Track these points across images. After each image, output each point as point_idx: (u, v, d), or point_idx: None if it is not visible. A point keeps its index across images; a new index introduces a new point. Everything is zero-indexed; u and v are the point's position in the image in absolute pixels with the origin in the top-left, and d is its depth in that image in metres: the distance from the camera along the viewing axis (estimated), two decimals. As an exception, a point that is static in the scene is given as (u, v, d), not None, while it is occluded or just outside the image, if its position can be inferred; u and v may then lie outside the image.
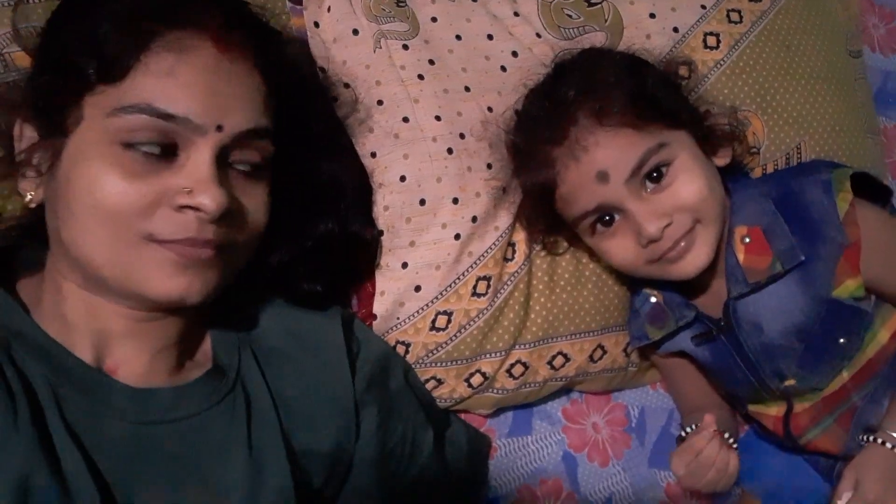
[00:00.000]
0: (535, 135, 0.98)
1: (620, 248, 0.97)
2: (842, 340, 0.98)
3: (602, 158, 0.92)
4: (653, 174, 0.93)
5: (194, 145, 0.73)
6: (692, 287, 1.03)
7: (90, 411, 0.73)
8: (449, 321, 1.03)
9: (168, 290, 0.73)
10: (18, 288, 0.79)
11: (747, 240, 0.98)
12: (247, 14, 0.81)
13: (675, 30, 1.16)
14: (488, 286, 1.04)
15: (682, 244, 0.94)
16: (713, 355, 1.05)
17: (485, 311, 1.04)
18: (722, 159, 1.01)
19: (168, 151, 0.72)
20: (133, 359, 0.78)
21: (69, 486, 0.67)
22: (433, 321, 1.03)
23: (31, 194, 0.77)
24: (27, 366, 0.72)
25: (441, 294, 1.03)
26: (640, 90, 0.95)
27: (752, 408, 1.08)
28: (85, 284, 0.76)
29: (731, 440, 1.01)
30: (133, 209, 0.71)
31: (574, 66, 1.02)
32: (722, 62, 1.16)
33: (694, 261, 0.95)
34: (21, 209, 0.84)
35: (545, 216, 1.03)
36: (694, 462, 0.94)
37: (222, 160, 0.75)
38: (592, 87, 0.95)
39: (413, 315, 1.02)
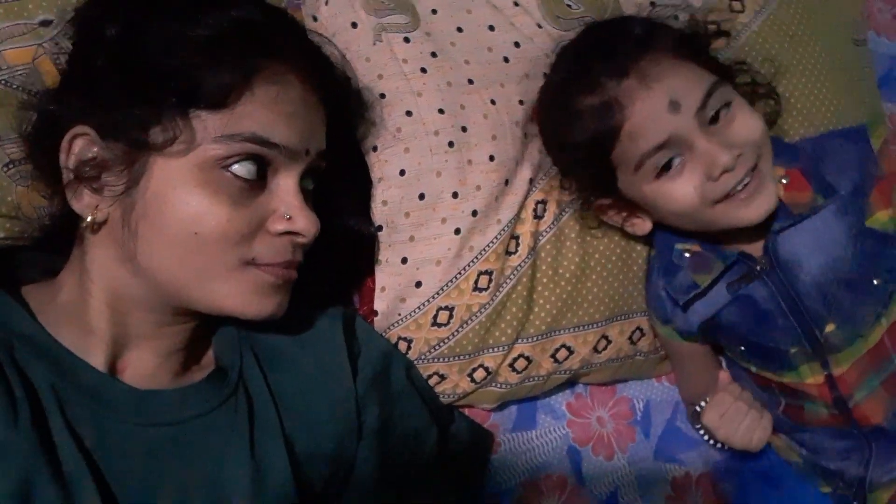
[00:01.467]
0: (599, 69, 0.96)
1: (688, 186, 0.95)
2: (876, 282, 0.99)
3: (673, 87, 0.93)
4: (715, 117, 0.94)
5: (284, 170, 0.77)
6: (728, 233, 1.02)
7: (93, 413, 0.73)
8: (451, 316, 1.02)
9: (264, 309, 0.77)
10: (24, 292, 0.79)
11: (785, 180, 1.00)
12: (321, 52, 0.87)
13: (676, 18, 1.14)
14: (490, 280, 1.03)
15: (750, 183, 0.94)
16: (753, 301, 1.03)
17: (487, 306, 1.03)
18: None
19: (261, 177, 0.75)
20: (142, 362, 0.78)
21: (71, 489, 0.67)
22: (435, 317, 1.02)
23: (94, 215, 0.74)
24: (30, 368, 0.72)
25: (442, 289, 1.02)
26: (691, 35, 1.00)
27: (788, 380, 1.06)
28: (131, 297, 0.76)
29: None
30: (238, 236, 0.74)
31: (625, 19, 1.06)
32: (721, 52, 1.14)
33: (766, 200, 0.95)
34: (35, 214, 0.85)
35: (599, 170, 1.00)
36: (730, 409, 1.00)
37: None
38: (653, 26, 0.99)
39: (414, 311, 1.02)
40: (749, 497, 1.16)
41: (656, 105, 0.93)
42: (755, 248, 1.03)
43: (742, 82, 1.04)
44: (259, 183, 0.75)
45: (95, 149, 0.73)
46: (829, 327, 1.00)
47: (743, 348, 1.07)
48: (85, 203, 0.75)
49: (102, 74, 0.73)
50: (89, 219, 0.74)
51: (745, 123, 0.95)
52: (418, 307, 1.02)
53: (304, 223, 0.77)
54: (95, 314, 0.76)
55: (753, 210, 0.95)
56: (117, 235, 0.75)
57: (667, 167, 0.95)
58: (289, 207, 0.77)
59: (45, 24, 0.89)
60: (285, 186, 0.77)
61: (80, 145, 0.74)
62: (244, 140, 0.73)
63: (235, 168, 0.73)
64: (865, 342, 1.01)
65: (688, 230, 1.04)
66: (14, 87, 0.86)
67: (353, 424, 0.90)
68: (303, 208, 0.77)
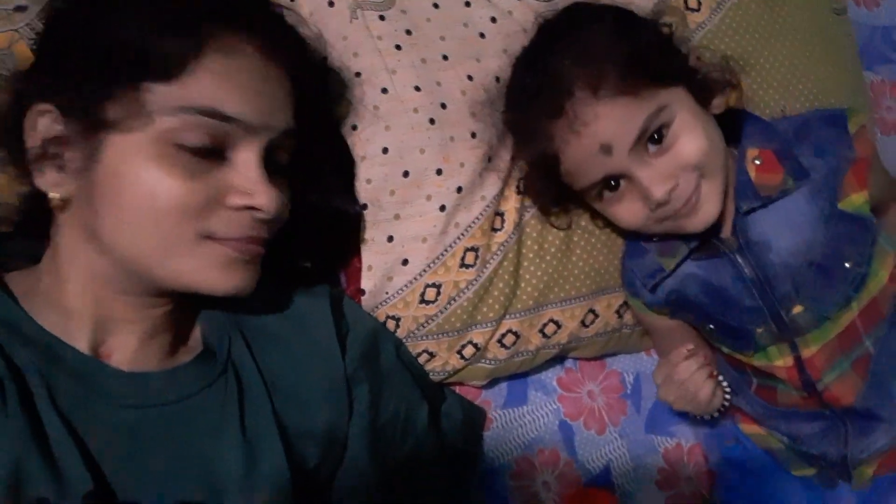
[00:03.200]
0: (531, 109, 0.96)
1: (630, 211, 0.98)
2: (847, 265, 0.98)
3: (603, 131, 0.91)
4: (654, 136, 0.93)
5: (243, 145, 0.75)
6: None
7: (82, 397, 0.72)
8: (438, 293, 1.02)
9: (228, 284, 0.76)
10: (8, 279, 0.79)
11: (758, 161, 0.99)
12: (285, 22, 0.84)
13: (655, -7, 1.14)
14: (476, 257, 1.03)
15: (692, 200, 0.94)
16: (721, 279, 1.04)
17: (474, 283, 1.03)
18: (718, 108, 1.00)
19: (217, 150, 0.74)
20: (126, 344, 0.78)
21: (61, 472, 0.67)
22: (422, 294, 1.02)
23: (56, 192, 0.74)
24: (17, 355, 0.71)
25: (429, 266, 1.02)
26: (633, 54, 0.92)
27: (757, 362, 1.06)
28: (98, 276, 0.76)
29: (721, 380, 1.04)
30: (193, 209, 0.72)
31: (561, 29, 1.00)
32: (703, 24, 1.15)
33: (705, 215, 0.95)
34: (17, 201, 0.83)
35: (552, 187, 1.02)
36: (673, 373, 0.99)
37: (265, 160, 0.77)
38: (584, 55, 0.92)
39: (402, 289, 1.02)
40: (727, 485, 1.18)
41: (586, 150, 0.93)
42: (724, 229, 1.03)
43: (697, 80, 1.00)
44: (217, 157, 0.74)
45: (58, 126, 0.73)
46: (797, 309, 1.00)
47: (711, 326, 1.07)
48: (48, 181, 0.74)
49: (62, 51, 0.74)
50: (53, 195, 0.74)
51: (686, 146, 0.93)
52: (405, 285, 1.02)
53: (263, 199, 0.75)
54: (74, 297, 0.76)
55: (694, 223, 0.96)
56: (82, 214, 0.74)
57: (611, 188, 0.97)
58: (247, 182, 0.75)
59: (20, 9, 0.88)
60: (245, 161, 0.75)
61: (43, 123, 0.74)
62: (196, 112, 0.71)
63: (189, 142, 0.72)
64: (835, 325, 1.00)
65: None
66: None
67: (344, 403, 0.90)
68: (262, 183, 0.75)
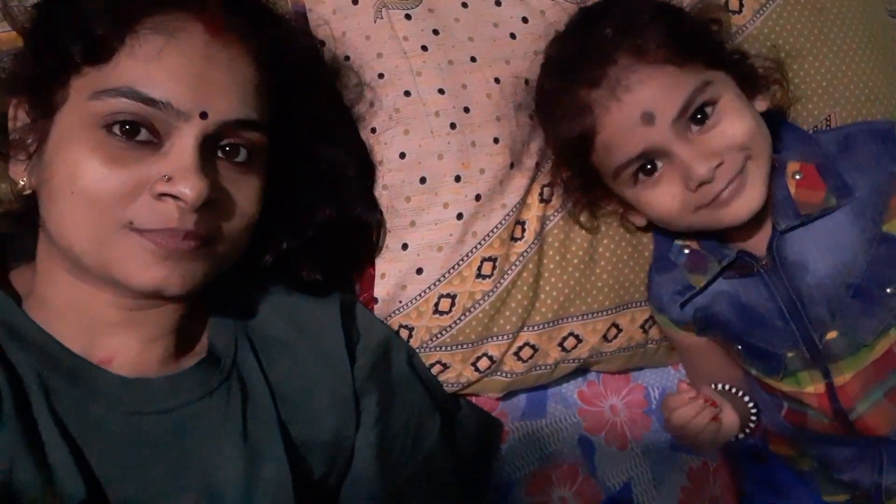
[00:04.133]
0: (570, 78, 0.93)
1: (666, 196, 0.92)
2: (889, 290, 0.93)
3: (647, 98, 0.87)
4: (697, 116, 0.89)
5: (177, 132, 0.71)
6: (732, 228, 0.97)
7: (80, 402, 0.72)
8: (452, 304, 1.00)
9: (145, 280, 0.71)
10: (11, 278, 0.79)
11: (798, 176, 0.94)
12: (252, 7, 0.79)
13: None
14: (494, 267, 1.01)
15: (735, 184, 0.89)
16: (752, 299, 0.99)
17: (490, 294, 1.01)
18: (762, 104, 0.96)
19: (152, 138, 0.71)
20: (126, 349, 0.76)
21: (55, 479, 0.67)
22: (436, 304, 1.00)
23: (22, 180, 0.75)
24: (15, 357, 0.71)
25: (444, 276, 1.00)
26: (678, 28, 0.91)
27: (787, 388, 1.02)
28: (73, 272, 0.74)
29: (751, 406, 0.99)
30: (113, 196, 0.69)
31: (605, 7, 0.97)
32: (744, 28, 1.10)
33: (748, 202, 0.90)
34: (14, 196, 0.81)
35: (581, 173, 0.98)
36: (671, 417, 0.91)
37: (210, 149, 0.73)
38: (630, 24, 0.90)
39: (415, 298, 1.00)
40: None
41: (628, 118, 0.88)
42: (758, 247, 0.97)
43: (743, 70, 0.97)
44: (149, 144, 0.71)
45: (26, 116, 0.75)
46: (831, 334, 0.95)
47: (739, 347, 1.03)
48: (17, 169, 0.76)
49: (26, 44, 0.78)
50: (20, 182, 0.75)
51: (731, 125, 0.89)
52: (419, 294, 1.00)
53: (184, 185, 0.69)
54: (60, 297, 0.76)
55: (734, 212, 0.90)
56: (39, 204, 0.74)
57: (647, 171, 0.92)
58: (173, 169, 0.70)
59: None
60: (178, 147, 0.70)
61: (20, 114, 0.75)
62: (120, 95, 0.69)
63: (115, 125, 0.70)
64: (870, 352, 0.95)
65: (678, 230, 1.00)
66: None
67: (351, 413, 0.88)
68: (186, 170, 0.70)
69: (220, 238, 0.75)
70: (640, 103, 0.87)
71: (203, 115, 0.71)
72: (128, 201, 0.70)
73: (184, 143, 0.70)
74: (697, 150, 0.88)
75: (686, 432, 0.90)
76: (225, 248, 0.77)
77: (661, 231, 1.05)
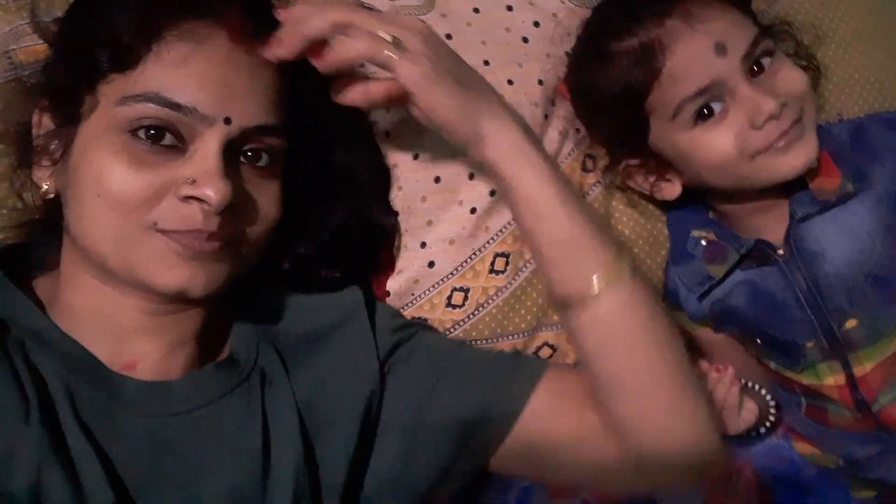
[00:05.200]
0: (639, 11, 0.94)
1: (727, 137, 0.92)
2: None
3: (720, 29, 0.90)
4: (756, 64, 0.92)
5: (202, 137, 0.73)
6: (749, 217, 1.00)
7: (105, 407, 0.73)
8: (466, 298, 1.00)
9: (170, 281, 0.73)
10: (35, 285, 0.80)
11: (813, 164, 0.95)
12: (264, 4, 0.81)
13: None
14: (507, 263, 1.01)
15: (795, 131, 0.91)
16: (770, 288, 0.99)
17: (504, 290, 1.01)
18: None
19: (177, 143, 0.73)
20: (149, 354, 0.77)
21: (83, 485, 0.68)
22: (449, 297, 1.00)
23: (46, 184, 0.78)
24: (42, 364, 0.72)
25: (456, 270, 1.00)
26: None
27: (806, 380, 1.01)
28: (98, 277, 0.76)
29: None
30: (138, 198, 0.71)
31: None
32: (763, 14, 1.10)
33: (805, 151, 0.92)
34: (38, 202, 0.84)
35: (631, 121, 0.98)
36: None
37: (233, 153, 0.75)
38: None
39: (427, 290, 1.00)
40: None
41: (701, 46, 0.90)
42: (776, 236, 0.98)
43: (783, 45, 1.00)
44: (174, 149, 0.73)
45: (51, 121, 0.77)
46: (850, 323, 0.95)
47: (758, 340, 1.03)
48: (40, 174, 0.78)
49: (52, 53, 0.80)
50: (43, 187, 0.77)
51: (790, 75, 0.93)
52: (431, 287, 1.00)
53: (209, 188, 0.70)
54: (85, 302, 0.77)
55: (792, 159, 0.91)
56: (64, 209, 0.76)
57: (706, 115, 0.92)
58: (197, 173, 0.72)
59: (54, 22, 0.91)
60: (202, 152, 0.72)
61: (44, 119, 0.78)
62: (146, 100, 0.71)
63: (140, 130, 0.72)
64: (891, 342, 0.95)
65: (721, 187, 1.00)
66: (25, 84, 0.87)
67: (374, 420, 0.86)
68: (211, 173, 0.71)
69: (242, 240, 0.77)
70: (713, 34, 0.90)
71: (227, 121, 0.73)
72: (153, 203, 0.72)
73: (208, 148, 0.72)
74: (762, 89, 0.90)
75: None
76: (246, 251, 0.79)
77: (678, 223, 1.05)
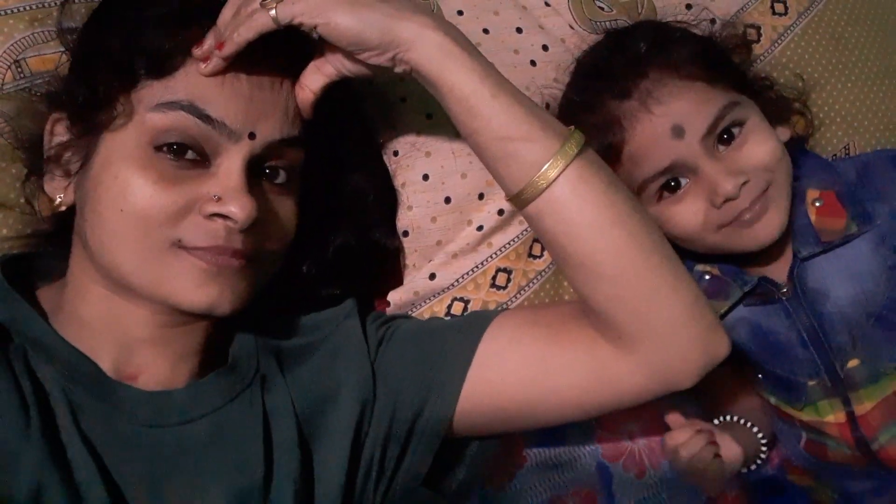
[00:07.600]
0: (600, 90, 0.94)
1: (690, 212, 0.93)
2: None
3: (677, 111, 0.89)
4: (723, 136, 0.90)
5: (226, 153, 0.73)
6: (752, 255, 0.98)
7: (105, 417, 0.72)
8: (465, 310, 1.00)
9: (197, 299, 0.72)
10: (38, 295, 0.80)
11: (818, 203, 0.95)
12: (294, 31, 0.80)
13: (713, 21, 1.10)
14: (508, 279, 1.01)
15: (758, 206, 0.90)
16: (772, 327, 0.99)
17: (505, 306, 1.01)
18: (784, 133, 0.97)
19: (200, 158, 0.73)
20: (154, 365, 0.77)
21: (82, 496, 0.67)
22: (449, 307, 1.00)
23: (59, 196, 0.77)
24: (42, 373, 0.72)
25: (458, 281, 1.00)
26: (709, 47, 0.94)
27: (807, 417, 1.01)
28: (111, 289, 0.75)
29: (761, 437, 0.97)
30: (163, 214, 0.71)
31: (637, 26, 1.00)
32: (763, 57, 1.12)
33: (770, 226, 0.91)
34: (47, 213, 0.84)
35: None
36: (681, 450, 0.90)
37: (255, 170, 0.75)
38: (661, 40, 0.93)
39: (427, 300, 1.00)
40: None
41: (658, 130, 0.89)
42: (779, 274, 0.98)
43: (767, 98, 0.99)
44: (197, 164, 0.73)
45: (67, 131, 0.76)
46: (853, 363, 0.95)
47: (759, 376, 1.02)
48: (54, 185, 0.77)
49: (74, 61, 0.80)
50: (56, 200, 0.77)
51: (758, 146, 0.91)
52: (432, 296, 1.00)
53: (234, 206, 0.71)
54: (93, 313, 0.76)
55: (756, 232, 0.91)
56: (81, 221, 0.75)
57: (671, 188, 0.92)
58: (222, 189, 0.72)
59: (71, 31, 0.90)
60: (226, 168, 0.73)
61: (58, 130, 0.77)
62: (180, 108, 0.71)
63: (168, 141, 0.72)
64: (892, 381, 0.94)
65: (700, 252, 1.00)
66: (36, 94, 0.86)
67: (370, 408, 0.86)
68: (236, 191, 0.72)
69: (263, 257, 0.77)
70: (670, 116, 0.89)
71: (251, 136, 0.74)
72: (177, 220, 0.71)
73: (232, 164, 0.73)
74: (724, 167, 0.89)
75: (691, 468, 0.89)
76: (266, 266, 0.79)
77: (682, 256, 1.05)
